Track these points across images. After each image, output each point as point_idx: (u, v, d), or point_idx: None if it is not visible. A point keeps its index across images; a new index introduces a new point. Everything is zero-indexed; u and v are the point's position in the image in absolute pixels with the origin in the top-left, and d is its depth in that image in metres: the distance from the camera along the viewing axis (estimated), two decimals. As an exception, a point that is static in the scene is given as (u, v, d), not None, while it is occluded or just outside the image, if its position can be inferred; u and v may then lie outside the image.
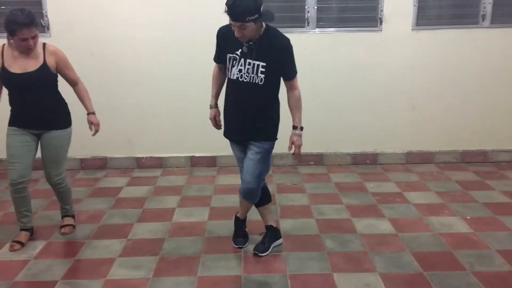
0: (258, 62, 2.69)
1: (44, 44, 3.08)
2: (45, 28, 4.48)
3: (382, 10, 4.47)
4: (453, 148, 4.86)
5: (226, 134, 3.02)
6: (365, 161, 4.87)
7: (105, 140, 4.52)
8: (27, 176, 3.17)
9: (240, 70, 2.73)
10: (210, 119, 3.05)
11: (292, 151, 2.90)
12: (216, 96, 3.04)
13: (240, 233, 3.29)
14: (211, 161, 4.89)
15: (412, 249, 3.13)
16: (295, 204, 3.92)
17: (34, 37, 2.93)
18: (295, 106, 2.85)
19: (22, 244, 3.25)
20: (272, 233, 3.21)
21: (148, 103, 4.65)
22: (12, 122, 3.14)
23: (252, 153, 2.87)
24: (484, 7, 4.50)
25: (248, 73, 2.72)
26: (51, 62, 3.06)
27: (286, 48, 2.73)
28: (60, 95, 3.22)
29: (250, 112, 2.82)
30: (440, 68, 4.64)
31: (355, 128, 4.73)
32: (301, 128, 2.86)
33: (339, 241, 3.26)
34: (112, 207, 3.91)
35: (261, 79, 2.71)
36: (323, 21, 4.49)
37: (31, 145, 3.16)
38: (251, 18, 2.49)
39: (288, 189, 4.26)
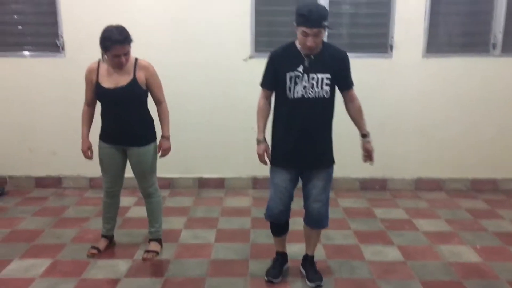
0: (323, 75, 2.72)
1: (136, 59, 3.14)
2: (59, 48, 4.57)
3: (392, 37, 4.51)
4: (463, 176, 4.82)
5: (279, 162, 2.88)
6: (374, 186, 4.85)
7: (115, 159, 4.57)
8: (118, 186, 3.40)
9: (304, 87, 2.72)
10: (260, 154, 2.91)
11: (367, 159, 2.96)
12: (264, 129, 2.92)
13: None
14: (219, 183, 4.88)
15: (421, 278, 3.09)
16: (301, 228, 3.87)
17: (126, 54, 3.02)
18: (359, 115, 2.91)
19: (99, 250, 3.38)
20: (284, 258, 3.18)
21: (157, 125, 4.67)
22: (103, 136, 3.26)
23: (321, 180, 2.86)
24: (495, 36, 4.52)
25: (313, 88, 2.72)
26: (141, 77, 3.12)
27: (346, 58, 2.83)
28: (148, 111, 3.27)
29: (317, 133, 2.82)
30: (450, 95, 4.64)
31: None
32: (369, 135, 2.93)
33: (346, 267, 3.22)
34: (119, 227, 3.90)
35: (327, 91, 2.74)
36: (333, 46, 4.52)
37: (119, 158, 3.28)
38: (325, 23, 2.61)
39: (295, 213, 4.21)
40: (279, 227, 3.05)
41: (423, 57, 4.57)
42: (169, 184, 4.86)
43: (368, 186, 4.84)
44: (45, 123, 4.74)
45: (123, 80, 3.09)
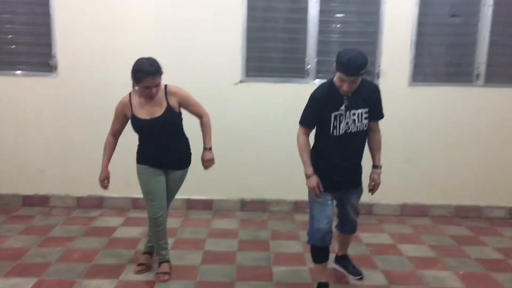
0: (361, 110, 2.94)
1: (165, 86, 3.20)
2: (52, 68, 4.62)
3: (379, 66, 4.63)
4: (448, 202, 4.90)
5: (327, 189, 2.99)
6: (360, 211, 4.88)
7: (103, 179, 4.58)
8: (165, 209, 3.31)
9: (347, 123, 2.92)
10: (314, 187, 2.96)
11: (371, 188, 3.21)
12: (310, 163, 3.00)
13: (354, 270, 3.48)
14: (207, 204, 4.91)
15: (404, 302, 3.12)
16: (288, 251, 3.92)
17: (157, 86, 3.07)
18: (378, 147, 3.17)
19: (169, 274, 3.35)
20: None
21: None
22: (142, 160, 3.27)
23: (357, 196, 3.20)
24: (478, 67, 4.66)
25: (355, 123, 2.94)
26: (174, 103, 3.19)
27: (378, 91, 3.07)
28: (185, 134, 3.36)
29: (357, 158, 3.09)
30: (435, 123, 4.75)
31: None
32: (381, 167, 3.18)
33: (331, 291, 3.25)
34: (105, 247, 3.90)
35: (365, 124, 2.99)
36: (322, 73, 4.64)
37: (163, 180, 3.29)
38: (363, 72, 2.78)
39: (282, 236, 4.26)
40: (325, 250, 3.11)
41: (408, 85, 4.69)
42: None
43: (354, 210, 4.89)
44: (34, 141, 4.75)
45: (157, 110, 3.15)
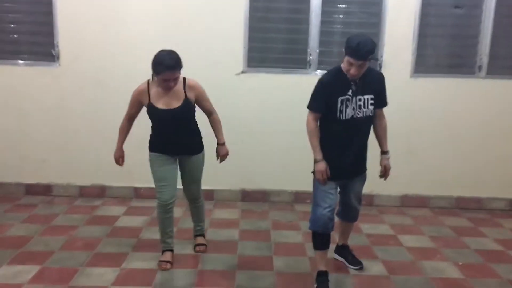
0: (368, 96, 3.01)
1: (184, 79, 3.27)
2: (54, 58, 4.63)
3: (382, 56, 4.63)
4: (448, 194, 4.92)
5: (333, 177, 3.03)
6: (362, 199, 4.91)
7: (105, 169, 4.61)
8: (175, 196, 3.38)
9: (353, 108, 2.97)
10: (322, 171, 2.99)
11: (383, 174, 3.28)
12: (320, 148, 3.03)
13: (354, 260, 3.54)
14: (208, 195, 4.92)
15: (403, 292, 3.16)
16: (289, 241, 3.95)
17: (176, 79, 3.14)
18: (384, 133, 3.24)
19: (171, 263, 3.42)
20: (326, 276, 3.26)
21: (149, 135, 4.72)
22: (155, 148, 3.36)
23: (360, 185, 3.27)
24: (481, 59, 4.65)
25: (361, 109, 2.99)
26: (191, 96, 3.28)
27: (383, 78, 3.15)
28: (197, 123, 3.43)
29: (363, 145, 3.14)
30: (436, 114, 4.75)
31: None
32: (388, 153, 3.25)
33: (331, 280, 3.26)
34: (108, 236, 3.94)
35: (371, 110, 3.04)
36: (324, 64, 4.63)
37: (175, 167, 3.40)
38: (371, 57, 2.85)
39: (283, 226, 4.29)
40: (326, 237, 3.15)
41: (411, 77, 4.69)
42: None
43: (355, 201, 4.92)
44: (37, 130, 4.77)
45: (175, 102, 3.23)
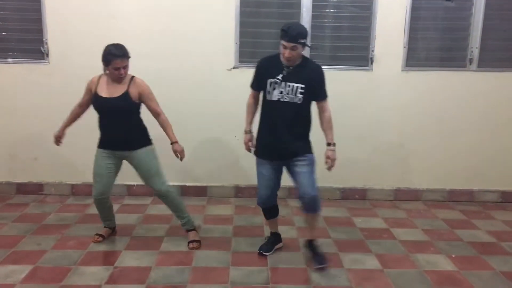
0: (297, 84, 3.15)
1: (132, 77, 3.47)
2: (44, 55, 4.58)
3: (373, 51, 4.62)
4: (441, 187, 4.94)
5: (261, 154, 3.37)
6: (354, 196, 4.93)
7: (97, 166, 4.57)
8: (106, 193, 3.61)
9: (281, 92, 3.16)
10: (245, 143, 3.43)
11: (328, 165, 3.29)
12: (251, 122, 3.45)
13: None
14: (201, 191, 4.92)
15: (397, 285, 3.16)
16: (283, 236, 3.93)
17: (125, 67, 3.37)
18: (328, 126, 3.29)
19: (103, 237, 3.76)
20: (277, 237, 3.68)
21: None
22: (99, 143, 3.54)
23: (303, 166, 3.24)
24: (472, 52, 4.66)
25: (288, 94, 3.15)
26: (133, 92, 3.43)
27: (320, 73, 3.25)
28: (141, 121, 3.57)
29: (286, 129, 3.21)
30: (428, 108, 4.76)
31: (344, 164, 4.74)
32: (334, 144, 3.28)
33: (325, 275, 3.28)
34: (101, 234, 3.91)
35: (300, 98, 3.17)
36: (315, 59, 4.58)
37: (112, 168, 3.57)
38: (301, 41, 3.03)
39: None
40: (269, 210, 3.57)
41: (402, 70, 4.69)
42: (152, 191, 4.84)
43: (348, 195, 4.93)
44: (27, 129, 4.73)
45: (117, 91, 3.41)
